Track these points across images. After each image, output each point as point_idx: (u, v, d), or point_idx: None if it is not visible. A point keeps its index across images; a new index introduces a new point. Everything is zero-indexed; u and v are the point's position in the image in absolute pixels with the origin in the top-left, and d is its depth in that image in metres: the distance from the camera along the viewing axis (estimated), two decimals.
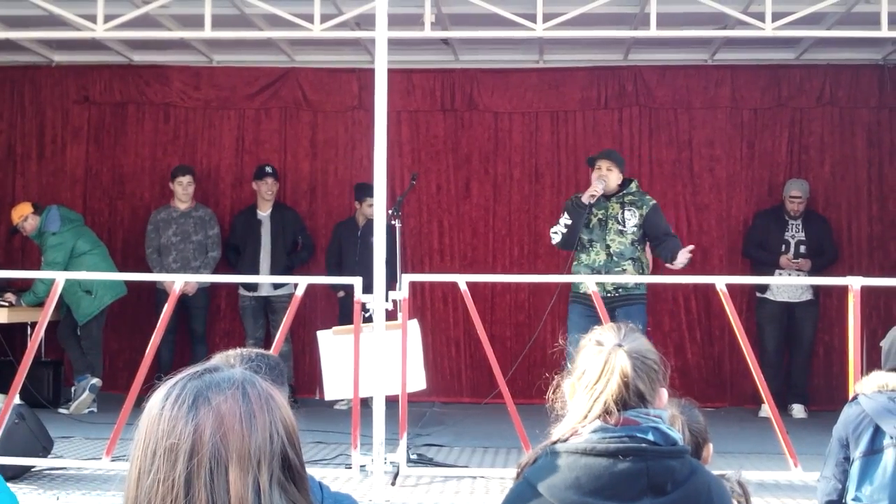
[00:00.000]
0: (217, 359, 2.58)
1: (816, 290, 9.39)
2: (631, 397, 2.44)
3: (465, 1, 7.97)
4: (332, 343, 6.42)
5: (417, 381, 6.46)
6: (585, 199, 7.42)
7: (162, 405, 1.48)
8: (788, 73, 10.08)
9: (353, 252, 9.43)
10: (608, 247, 7.43)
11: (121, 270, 9.46)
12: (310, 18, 7.96)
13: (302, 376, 9.86)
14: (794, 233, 9.41)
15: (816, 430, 7.15)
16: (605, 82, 10.20)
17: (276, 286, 9.47)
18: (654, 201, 7.68)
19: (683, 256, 7.25)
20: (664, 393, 2.54)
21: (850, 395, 4.17)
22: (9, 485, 3.55)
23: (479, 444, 7.44)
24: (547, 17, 7.91)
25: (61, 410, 8.77)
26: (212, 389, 1.49)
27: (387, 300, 5.99)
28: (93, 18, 8.01)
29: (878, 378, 4.00)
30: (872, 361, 4.53)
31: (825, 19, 8.55)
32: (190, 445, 1.44)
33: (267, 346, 8.84)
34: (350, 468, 6.01)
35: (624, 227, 7.45)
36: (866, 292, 6.28)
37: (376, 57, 6.14)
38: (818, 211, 9.78)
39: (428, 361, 7.04)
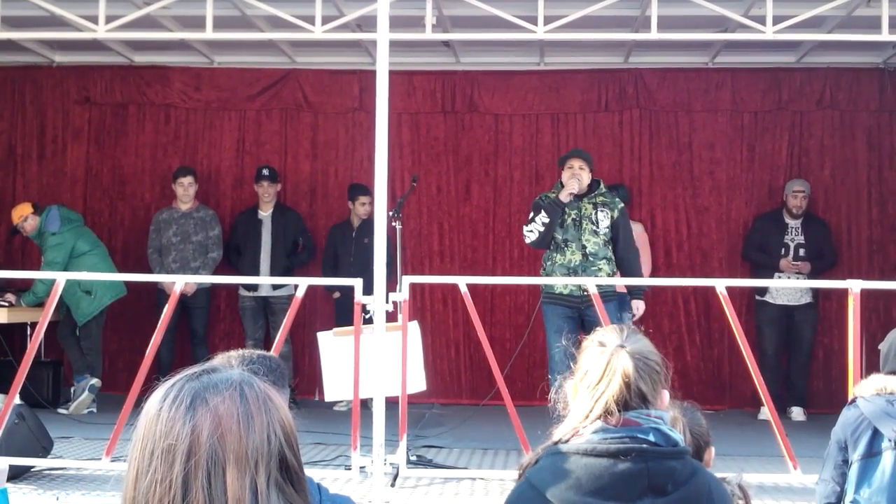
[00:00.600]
0: (218, 360, 2.58)
1: (816, 293, 9.39)
2: (633, 398, 2.45)
3: (466, 3, 7.98)
4: (332, 344, 6.43)
5: (417, 382, 6.47)
6: (564, 197, 7.39)
7: (160, 406, 1.49)
8: (789, 76, 10.08)
9: (347, 253, 9.44)
10: (584, 247, 7.43)
11: (121, 271, 9.47)
12: (311, 20, 7.97)
13: (301, 377, 9.86)
14: (794, 236, 9.41)
15: (816, 432, 7.15)
16: (605, 85, 10.21)
17: (276, 287, 9.48)
18: (622, 204, 7.73)
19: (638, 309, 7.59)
20: (666, 394, 2.54)
21: (849, 398, 4.18)
22: (8, 484, 3.55)
23: (478, 446, 7.44)
24: (548, 20, 7.92)
25: (61, 411, 8.77)
26: (209, 390, 1.49)
27: (387, 301, 5.99)
28: (94, 19, 8.03)
29: (877, 381, 4.00)
30: (871, 364, 4.52)
31: (826, 23, 8.56)
32: (187, 446, 1.44)
33: (266, 346, 8.85)
34: (350, 469, 6.01)
35: (598, 227, 7.47)
36: (866, 295, 6.29)
37: (378, 59, 6.15)
38: (818, 214, 9.78)
39: (428, 363, 7.05)
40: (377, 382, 5.90)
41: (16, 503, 5.56)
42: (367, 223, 8.93)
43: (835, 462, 3.97)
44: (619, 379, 2.44)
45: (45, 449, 6.36)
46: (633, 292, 7.59)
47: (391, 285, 6.16)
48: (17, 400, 6.23)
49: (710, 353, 9.97)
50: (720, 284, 6.28)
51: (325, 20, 8.01)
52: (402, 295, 6.18)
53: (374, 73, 6.26)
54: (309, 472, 1.61)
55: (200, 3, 8.09)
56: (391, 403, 6.04)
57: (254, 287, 9.53)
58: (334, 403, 8.60)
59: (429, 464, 6.68)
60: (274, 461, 1.48)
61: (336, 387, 6.38)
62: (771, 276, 9.31)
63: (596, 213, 7.47)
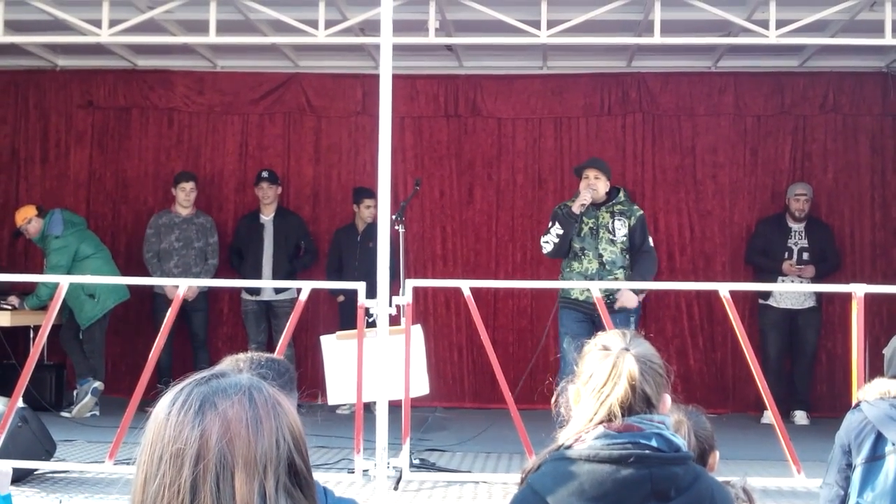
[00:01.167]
0: (227, 362, 2.59)
1: (819, 296, 9.38)
2: (637, 401, 2.45)
3: (469, 7, 7.99)
4: (335, 348, 6.43)
5: (420, 386, 6.47)
6: (576, 208, 7.47)
7: (168, 410, 1.49)
8: (792, 80, 10.08)
9: (352, 257, 9.44)
10: (600, 256, 7.49)
11: (124, 274, 9.46)
12: (314, 24, 7.98)
13: (304, 381, 9.83)
14: (797, 240, 9.41)
15: (819, 436, 7.15)
16: (608, 89, 10.21)
17: (279, 291, 9.48)
18: (642, 212, 7.75)
19: (626, 298, 7.35)
20: (668, 398, 2.55)
21: (853, 402, 4.18)
22: (11, 488, 3.55)
23: (481, 450, 7.44)
24: (551, 24, 7.93)
25: (64, 414, 8.78)
26: (218, 395, 1.49)
27: (390, 305, 6.00)
28: (97, 23, 8.04)
29: (881, 385, 4.00)
30: (875, 368, 4.52)
31: (829, 27, 8.56)
32: (196, 450, 1.44)
33: (269, 350, 8.83)
34: (353, 473, 6.01)
35: (615, 236, 7.50)
36: (869, 299, 6.28)
37: (381, 63, 6.15)
38: (821, 218, 9.78)
39: (431, 366, 7.05)
40: (380, 386, 5.90)
41: None
42: (372, 227, 8.93)
43: (838, 466, 3.97)
44: (625, 382, 2.45)
45: (48, 452, 6.36)
46: (642, 274, 7.50)
47: (394, 289, 6.17)
48: (20, 403, 6.24)
49: (714, 357, 9.97)
50: (723, 288, 6.28)
51: (329, 24, 8.02)
52: (406, 298, 6.19)
53: (377, 76, 6.26)
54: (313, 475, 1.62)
55: (204, 7, 8.10)
56: (394, 407, 6.04)
57: (256, 291, 9.54)
58: (337, 407, 8.60)
59: (432, 467, 6.68)
60: (282, 466, 1.48)
61: (339, 390, 6.39)
62: (774, 280, 9.30)
63: (613, 222, 7.52)
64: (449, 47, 9.54)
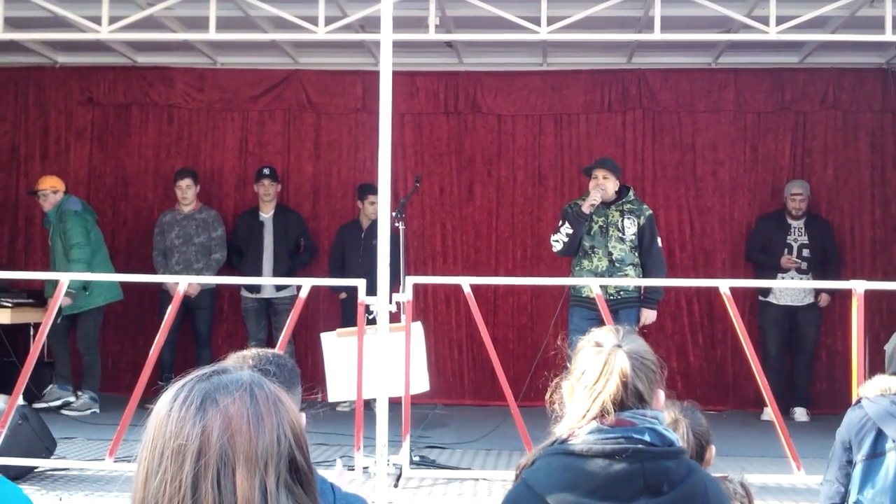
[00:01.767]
0: (232, 359, 2.60)
1: (818, 293, 9.38)
2: (629, 398, 2.46)
3: (469, 4, 7.99)
4: (335, 345, 6.43)
5: (421, 383, 6.47)
6: (586, 208, 7.61)
7: (170, 406, 1.50)
8: (792, 76, 10.08)
9: (356, 254, 9.42)
10: (610, 253, 7.63)
11: (124, 271, 9.46)
12: (314, 21, 7.98)
13: (304, 378, 9.82)
14: (797, 236, 9.41)
15: (819, 433, 7.14)
16: (608, 85, 10.21)
17: (279, 288, 9.48)
18: (650, 211, 7.85)
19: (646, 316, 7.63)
20: (661, 394, 2.56)
21: (854, 399, 4.18)
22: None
23: (481, 446, 7.44)
24: (551, 21, 7.93)
25: (64, 412, 8.75)
26: (220, 391, 1.50)
27: (390, 302, 5.99)
28: (97, 20, 8.04)
29: (882, 382, 4.01)
30: (875, 365, 4.52)
31: (829, 23, 8.56)
32: (197, 446, 1.45)
33: (269, 347, 8.84)
34: (353, 470, 6.00)
35: (624, 234, 7.62)
36: (869, 296, 6.28)
37: (381, 59, 6.14)
38: (821, 214, 9.78)
39: (431, 363, 7.05)
40: (380, 383, 5.90)
41: None
42: (376, 224, 8.93)
43: (839, 463, 3.97)
44: (617, 378, 2.46)
45: (48, 450, 6.36)
46: (646, 300, 7.64)
47: (395, 286, 6.17)
48: (20, 401, 6.24)
49: (714, 354, 9.97)
50: (724, 285, 6.28)
51: (329, 21, 8.02)
52: (406, 295, 6.19)
53: (377, 73, 6.26)
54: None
55: (203, 4, 8.09)
56: (394, 404, 6.04)
57: (256, 289, 9.54)
58: (337, 404, 8.60)
59: (432, 464, 6.68)
60: (283, 462, 1.48)
61: (339, 387, 6.39)
62: (774, 277, 9.30)
63: (622, 220, 7.64)
64: (449, 44, 9.53)
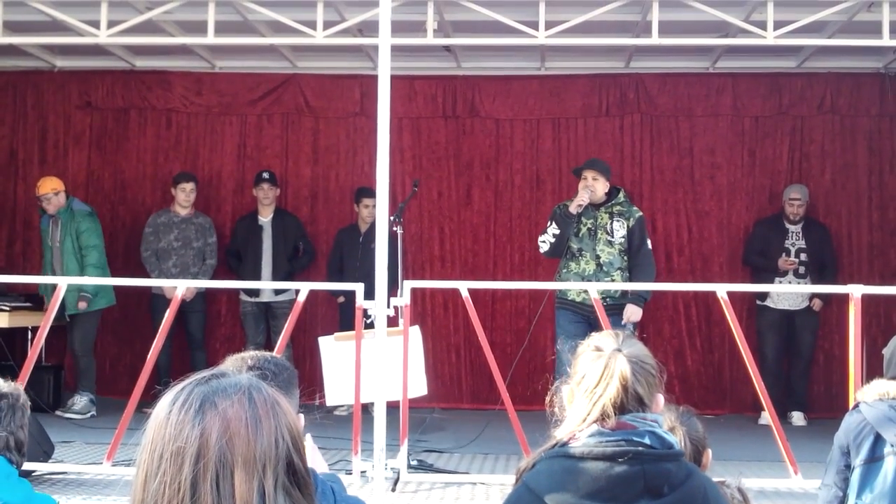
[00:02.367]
0: (230, 361, 2.61)
1: (812, 298, 9.38)
2: (629, 401, 2.47)
3: (467, 8, 8.00)
4: (333, 349, 6.44)
5: (418, 387, 6.48)
6: (573, 209, 7.50)
7: (169, 409, 1.50)
8: (790, 81, 10.09)
9: (354, 258, 9.42)
10: (598, 257, 7.50)
11: (122, 275, 9.45)
12: (312, 25, 7.99)
13: (302, 382, 9.83)
14: (795, 241, 9.41)
15: (816, 437, 7.16)
16: (606, 90, 10.21)
17: (278, 292, 9.49)
18: (641, 213, 7.75)
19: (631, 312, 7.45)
20: (661, 398, 2.57)
21: (851, 403, 4.19)
22: None
23: (479, 451, 7.44)
24: (549, 25, 7.94)
25: (67, 415, 8.72)
26: (218, 394, 1.50)
27: (388, 306, 6.00)
28: (96, 24, 8.04)
29: (880, 386, 4.01)
30: (872, 369, 4.53)
31: (826, 28, 8.57)
32: (196, 449, 1.46)
33: (268, 351, 8.84)
34: (350, 474, 6.01)
35: (612, 237, 7.51)
36: (866, 300, 6.30)
37: (379, 63, 6.15)
38: (818, 219, 9.79)
39: (429, 367, 7.05)
40: (378, 387, 5.90)
41: None
42: (374, 228, 8.95)
43: (837, 467, 3.98)
44: (617, 382, 2.47)
45: (46, 453, 6.36)
46: (632, 298, 7.54)
47: (393, 290, 6.18)
48: None
49: (711, 358, 9.97)
50: (721, 289, 6.29)
51: (327, 25, 8.03)
52: (404, 300, 6.20)
53: (375, 77, 6.27)
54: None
55: (202, 8, 8.10)
56: (392, 408, 6.04)
57: (255, 293, 9.54)
58: (335, 408, 8.60)
59: (430, 468, 6.68)
60: (281, 465, 1.49)
61: (337, 391, 6.39)
62: (772, 281, 9.31)
63: (611, 223, 7.52)
64: (447, 48, 9.54)
